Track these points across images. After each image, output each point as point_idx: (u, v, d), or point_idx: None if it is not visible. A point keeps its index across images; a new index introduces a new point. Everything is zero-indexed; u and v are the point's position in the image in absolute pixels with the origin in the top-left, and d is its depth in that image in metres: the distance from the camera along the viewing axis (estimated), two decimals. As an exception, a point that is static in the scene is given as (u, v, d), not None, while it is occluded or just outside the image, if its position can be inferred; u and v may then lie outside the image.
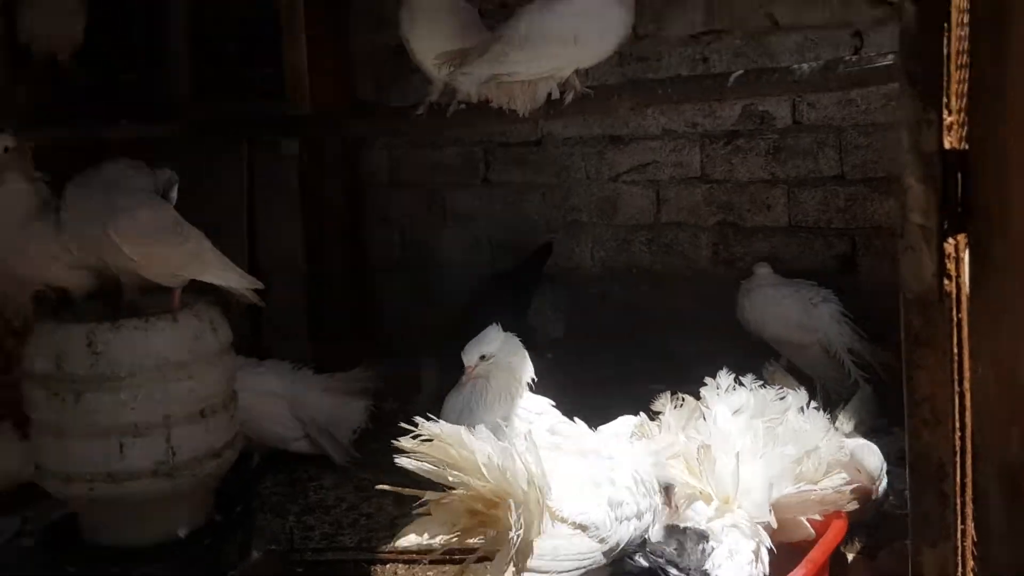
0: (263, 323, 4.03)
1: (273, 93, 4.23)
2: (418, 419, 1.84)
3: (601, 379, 3.51)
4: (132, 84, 3.90)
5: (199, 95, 3.86)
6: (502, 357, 2.30)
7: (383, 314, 4.46)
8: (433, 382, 3.98)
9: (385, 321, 4.45)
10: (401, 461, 1.82)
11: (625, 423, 2.28)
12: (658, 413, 2.36)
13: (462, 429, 1.84)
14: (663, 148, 3.69)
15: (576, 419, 2.23)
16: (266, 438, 3.26)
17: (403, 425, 1.84)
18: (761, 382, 2.45)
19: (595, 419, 2.32)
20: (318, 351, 4.42)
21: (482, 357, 2.29)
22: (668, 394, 2.38)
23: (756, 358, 3.33)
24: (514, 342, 2.35)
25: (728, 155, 3.57)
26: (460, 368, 2.38)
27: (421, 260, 4.33)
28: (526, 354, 2.36)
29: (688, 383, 3.00)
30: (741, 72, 2.74)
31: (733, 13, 3.48)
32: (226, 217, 4.29)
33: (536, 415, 2.29)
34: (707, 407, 2.36)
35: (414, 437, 1.81)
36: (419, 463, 1.80)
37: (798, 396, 2.41)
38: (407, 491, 1.85)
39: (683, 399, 2.36)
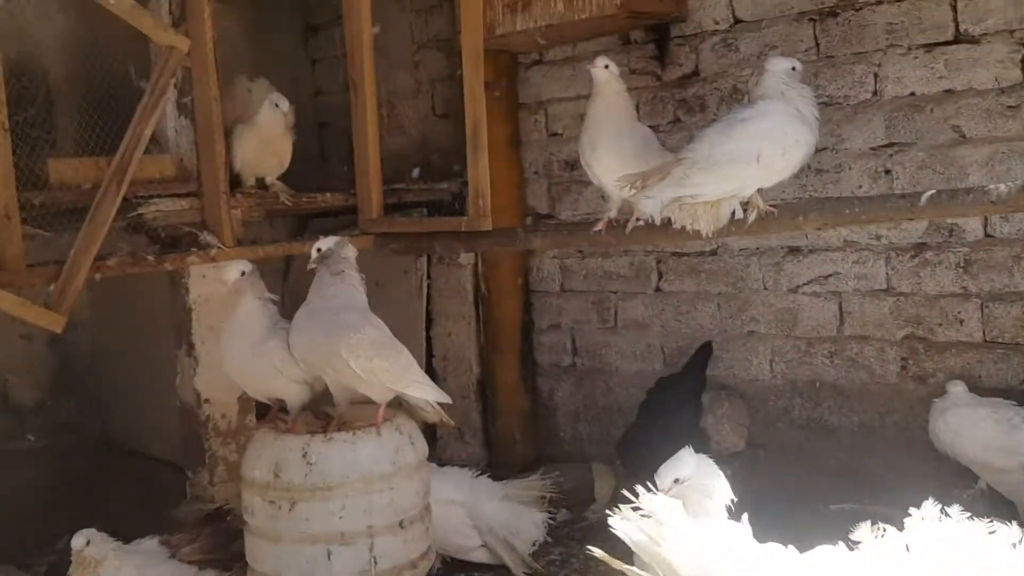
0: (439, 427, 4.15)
1: (454, 208, 4.48)
2: (639, 488, 2.10)
3: (785, 496, 3.41)
4: (328, 202, 4.20)
5: (386, 211, 4.11)
6: (697, 481, 2.30)
7: (555, 418, 4.52)
8: (607, 490, 3.99)
9: (557, 426, 4.51)
10: (614, 524, 2.05)
11: (825, 554, 2.22)
12: (857, 543, 2.29)
13: (679, 504, 2.05)
14: (845, 259, 3.62)
15: (789, 546, 2.21)
16: (445, 546, 3.27)
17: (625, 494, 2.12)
18: (968, 513, 2.34)
19: (784, 541, 2.27)
20: (492, 455, 4.53)
21: (676, 480, 2.29)
22: (868, 523, 2.30)
23: (948, 479, 3.19)
24: (708, 465, 2.35)
25: (916, 268, 3.47)
26: (637, 478, 2.38)
27: (592, 366, 4.39)
28: (721, 476, 2.34)
29: (876, 503, 2.88)
30: (933, 192, 2.67)
31: (916, 126, 3.43)
32: (405, 324, 4.52)
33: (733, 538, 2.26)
34: (910, 539, 2.27)
35: (635, 509, 2.06)
36: (631, 534, 2.01)
37: (1011, 530, 2.29)
38: (617, 563, 2.03)
39: (884, 529, 2.28)
